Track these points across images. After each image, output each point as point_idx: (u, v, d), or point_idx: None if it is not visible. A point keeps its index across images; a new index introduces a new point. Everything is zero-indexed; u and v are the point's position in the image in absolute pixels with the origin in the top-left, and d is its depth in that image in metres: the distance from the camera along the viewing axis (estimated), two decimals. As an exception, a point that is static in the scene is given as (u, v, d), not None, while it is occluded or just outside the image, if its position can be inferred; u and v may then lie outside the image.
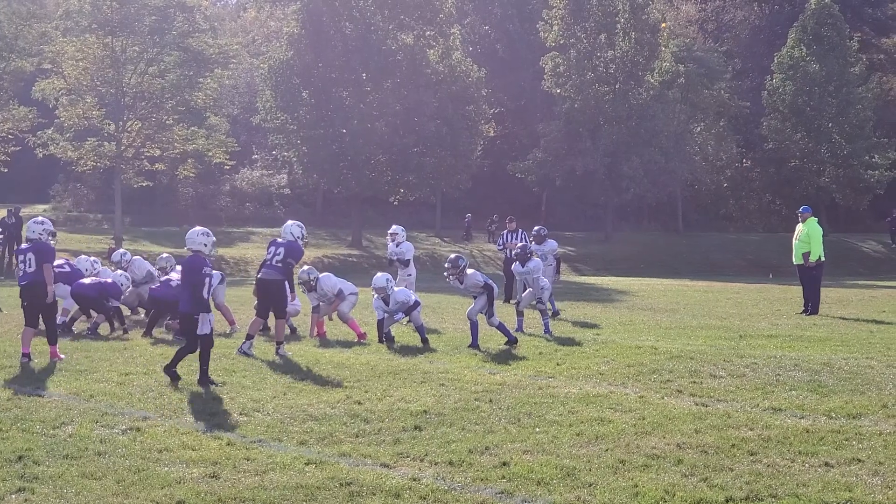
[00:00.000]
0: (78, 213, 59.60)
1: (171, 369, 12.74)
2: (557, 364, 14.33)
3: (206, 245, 13.17)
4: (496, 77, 62.03)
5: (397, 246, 21.25)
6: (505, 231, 26.57)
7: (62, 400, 11.43)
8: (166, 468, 8.54)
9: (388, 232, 21.86)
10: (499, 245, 27.39)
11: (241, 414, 10.79)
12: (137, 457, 8.88)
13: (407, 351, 15.93)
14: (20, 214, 39.26)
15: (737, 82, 68.26)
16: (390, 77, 51.07)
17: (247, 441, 9.53)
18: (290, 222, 16.52)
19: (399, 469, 8.62)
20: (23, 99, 51.81)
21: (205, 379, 12.59)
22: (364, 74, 51.00)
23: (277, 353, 15.31)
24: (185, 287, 13.02)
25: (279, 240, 16.18)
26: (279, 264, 15.76)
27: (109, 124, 49.48)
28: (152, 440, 9.50)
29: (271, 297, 15.86)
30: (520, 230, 26.28)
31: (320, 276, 18.16)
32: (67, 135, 49.73)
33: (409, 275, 21.06)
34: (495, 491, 8.01)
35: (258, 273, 16.29)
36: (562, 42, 57.00)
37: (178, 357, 12.87)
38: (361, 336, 17.46)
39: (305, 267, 18.42)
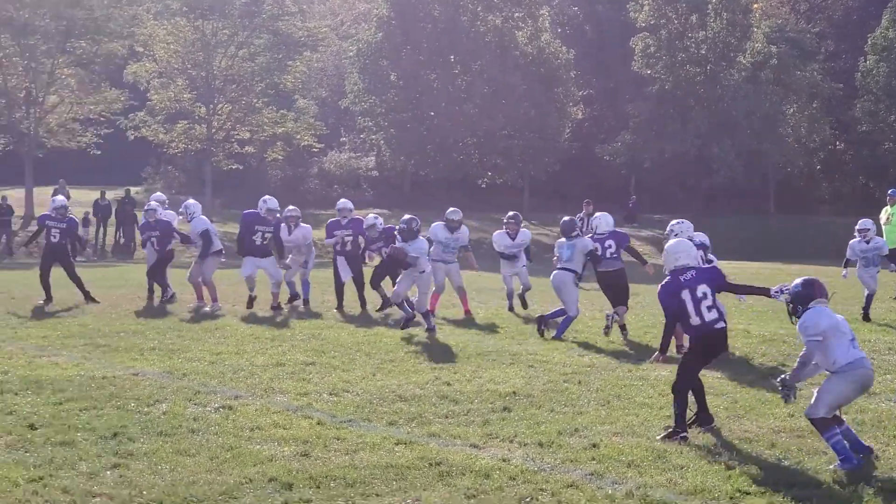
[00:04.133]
0: (169, 195, 59.96)
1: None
2: (648, 346, 14.23)
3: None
4: (585, 58, 61.51)
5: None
6: (581, 213, 25.72)
7: (156, 378, 11.58)
8: (258, 446, 8.62)
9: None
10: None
11: (330, 394, 10.85)
12: (230, 435, 8.97)
13: (495, 332, 15.92)
14: (131, 197, 40.33)
15: (829, 64, 66.91)
16: (479, 59, 50.99)
17: (337, 421, 9.59)
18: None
19: (488, 450, 8.62)
20: (115, 81, 52.48)
21: (682, 425, 9.10)
22: (452, 56, 51.00)
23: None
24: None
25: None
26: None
27: (200, 107, 50.09)
28: (244, 419, 9.60)
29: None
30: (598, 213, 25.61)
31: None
32: (159, 117, 50.45)
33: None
34: (585, 472, 7.97)
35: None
36: (652, 22, 56.40)
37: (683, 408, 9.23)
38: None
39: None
